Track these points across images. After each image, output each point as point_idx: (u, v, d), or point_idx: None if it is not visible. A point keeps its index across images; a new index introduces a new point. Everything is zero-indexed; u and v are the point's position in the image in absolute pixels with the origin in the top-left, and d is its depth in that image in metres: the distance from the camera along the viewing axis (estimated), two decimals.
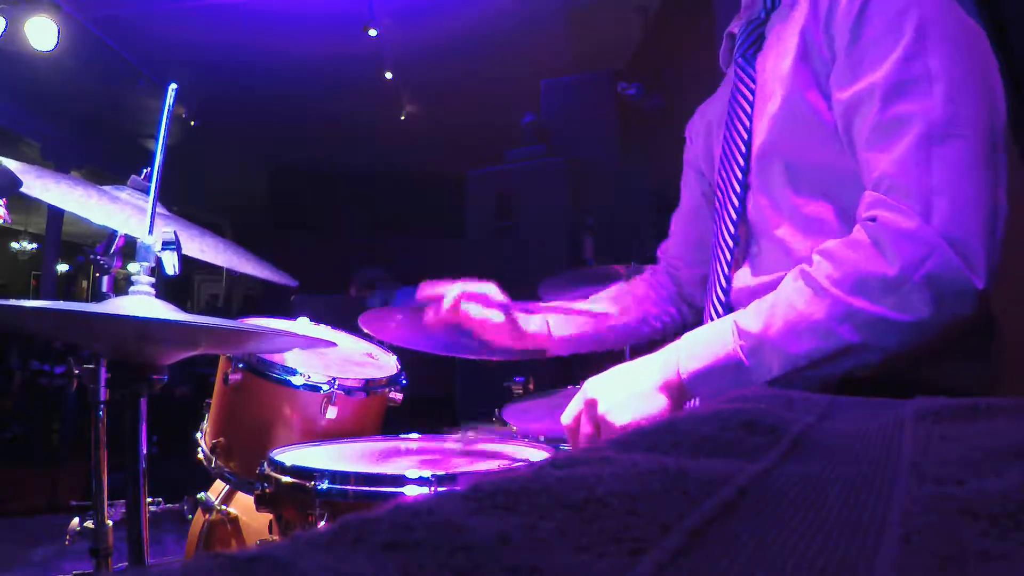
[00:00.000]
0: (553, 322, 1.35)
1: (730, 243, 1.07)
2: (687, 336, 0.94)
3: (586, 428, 0.95)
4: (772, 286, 0.93)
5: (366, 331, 1.74)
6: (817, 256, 0.86)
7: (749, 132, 1.03)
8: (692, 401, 0.94)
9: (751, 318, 0.88)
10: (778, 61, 0.99)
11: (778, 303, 0.86)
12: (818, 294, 0.83)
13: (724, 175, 1.08)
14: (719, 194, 1.10)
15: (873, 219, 0.83)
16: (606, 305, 1.38)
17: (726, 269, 1.08)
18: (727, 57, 1.17)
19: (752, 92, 1.04)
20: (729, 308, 1.07)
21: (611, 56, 4.77)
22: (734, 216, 1.06)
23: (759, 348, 0.86)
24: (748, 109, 1.03)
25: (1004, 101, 0.86)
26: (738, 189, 1.05)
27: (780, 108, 0.97)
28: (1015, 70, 1.66)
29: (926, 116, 0.82)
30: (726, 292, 1.08)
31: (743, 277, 1.06)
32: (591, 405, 0.95)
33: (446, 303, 1.27)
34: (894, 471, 0.31)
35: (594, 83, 4.44)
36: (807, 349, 0.83)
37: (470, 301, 1.27)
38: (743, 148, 1.04)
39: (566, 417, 0.99)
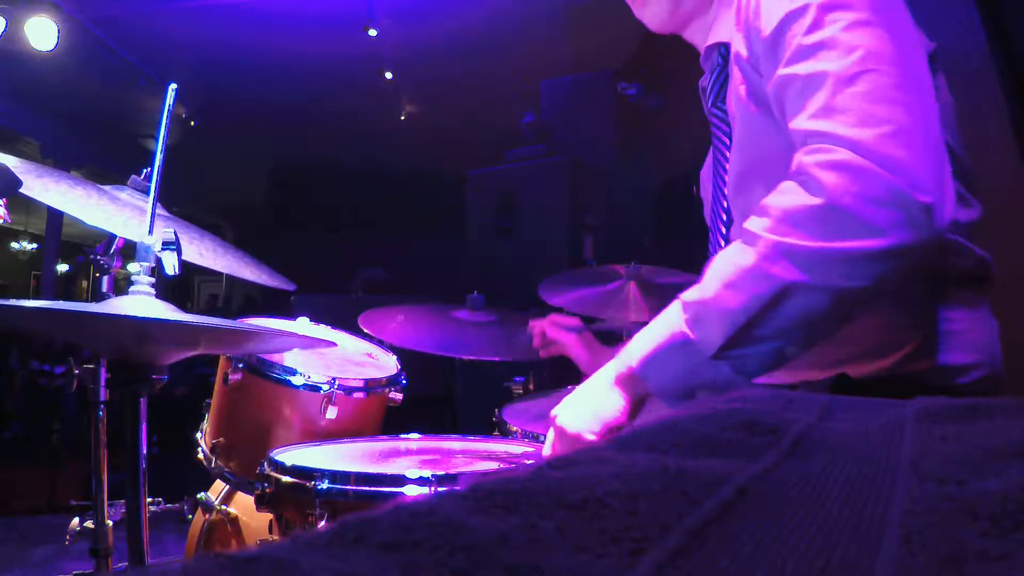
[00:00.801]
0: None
1: None
2: (641, 331, 0.90)
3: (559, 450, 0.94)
4: None
5: (366, 331, 1.74)
6: (752, 215, 0.83)
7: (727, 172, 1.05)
8: (649, 398, 0.90)
9: (694, 290, 0.84)
10: (731, 100, 1.01)
11: (716, 266, 0.82)
12: (749, 241, 0.79)
13: (713, 210, 1.11)
14: (710, 226, 1.12)
15: (798, 168, 0.79)
16: None
17: None
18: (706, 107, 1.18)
19: (729, 136, 1.04)
20: None
21: (611, 56, 4.77)
22: (723, 235, 1.09)
23: (701, 315, 0.81)
24: (727, 153, 1.04)
25: (920, 37, 0.85)
26: (722, 228, 1.08)
27: (738, 134, 0.98)
28: (1015, 70, 1.67)
29: (835, 67, 0.79)
30: None
31: None
32: (555, 424, 0.93)
33: (535, 336, 1.58)
34: (894, 471, 0.31)
35: (594, 83, 4.44)
36: (745, 299, 0.77)
37: (551, 329, 1.56)
38: (725, 189, 1.06)
39: (545, 450, 0.97)
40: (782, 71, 0.84)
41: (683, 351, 0.82)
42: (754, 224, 0.80)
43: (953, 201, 0.76)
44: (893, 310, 0.90)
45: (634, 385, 0.88)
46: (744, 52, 0.93)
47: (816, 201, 0.74)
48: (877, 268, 0.73)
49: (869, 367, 0.91)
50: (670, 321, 0.84)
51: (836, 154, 0.75)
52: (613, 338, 1.71)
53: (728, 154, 1.05)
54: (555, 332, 1.54)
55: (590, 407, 0.90)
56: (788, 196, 0.77)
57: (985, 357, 0.92)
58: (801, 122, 0.81)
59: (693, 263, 1.29)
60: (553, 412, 0.94)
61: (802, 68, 0.82)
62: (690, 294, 0.84)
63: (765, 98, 0.92)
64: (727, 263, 0.80)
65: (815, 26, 0.82)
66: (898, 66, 0.78)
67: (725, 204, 1.07)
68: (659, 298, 1.90)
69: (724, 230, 1.09)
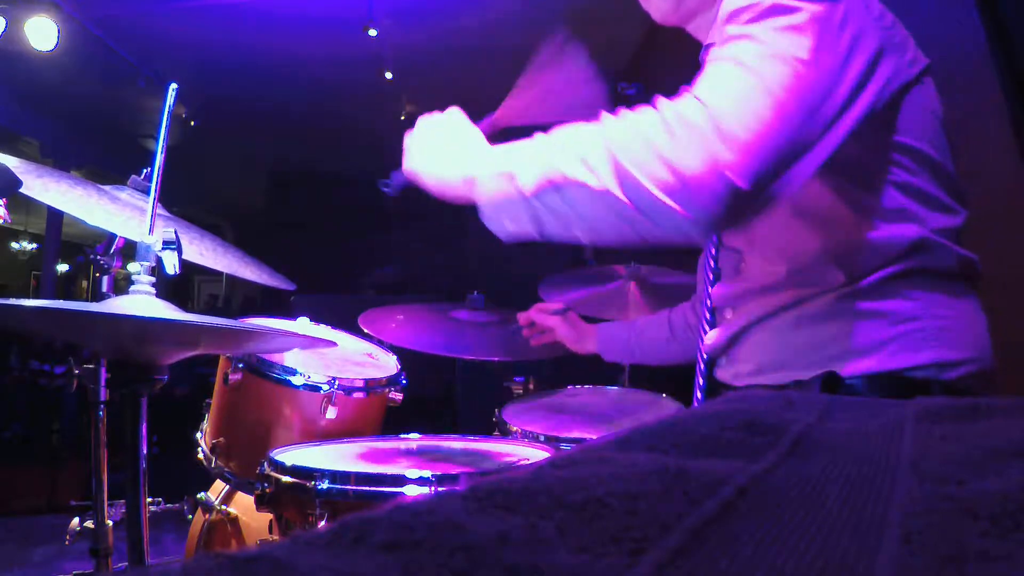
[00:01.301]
0: (603, 327, 1.62)
1: (711, 276, 1.13)
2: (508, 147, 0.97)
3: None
4: (754, 290, 0.99)
5: (366, 331, 1.74)
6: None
7: None
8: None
9: (551, 136, 0.93)
10: None
11: (577, 130, 0.89)
12: (604, 134, 0.84)
13: None
14: None
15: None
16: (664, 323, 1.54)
17: (709, 306, 1.14)
18: None
19: None
20: (713, 324, 1.13)
21: (611, 56, 4.77)
22: (715, 239, 1.12)
23: (534, 159, 0.90)
24: None
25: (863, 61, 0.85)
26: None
27: None
28: (1015, 70, 1.67)
29: (741, 55, 0.83)
30: (711, 311, 1.14)
31: (735, 285, 1.08)
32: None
33: (524, 326, 1.68)
34: (894, 471, 0.31)
35: None
36: (568, 171, 0.85)
37: (538, 315, 1.65)
38: None
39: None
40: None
41: (514, 177, 0.92)
42: (607, 125, 0.86)
43: (755, 208, 0.80)
44: (880, 307, 0.91)
45: (470, 188, 0.98)
46: None
47: (653, 139, 0.80)
48: (666, 219, 0.80)
49: (858, 365, 0.91)
50: (520, 153, 0.94)
51: (692, 102, 0.80)
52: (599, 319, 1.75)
53: None
54: (542, 318, 1.65)
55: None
56: (642, 118, 0.83)
57: (975, 353, 0.92)
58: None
59: (693, 263, 1.29)
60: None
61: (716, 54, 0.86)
62: (539, 157, 0.91)
63: None
64: (578, 134, 0.88)
65: (743, 25, 0.85)
66: (801, 77, 0.80)
67: None
68: (659, 298, 1.90)
69: (715, 239, 1.13)
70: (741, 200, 0.77)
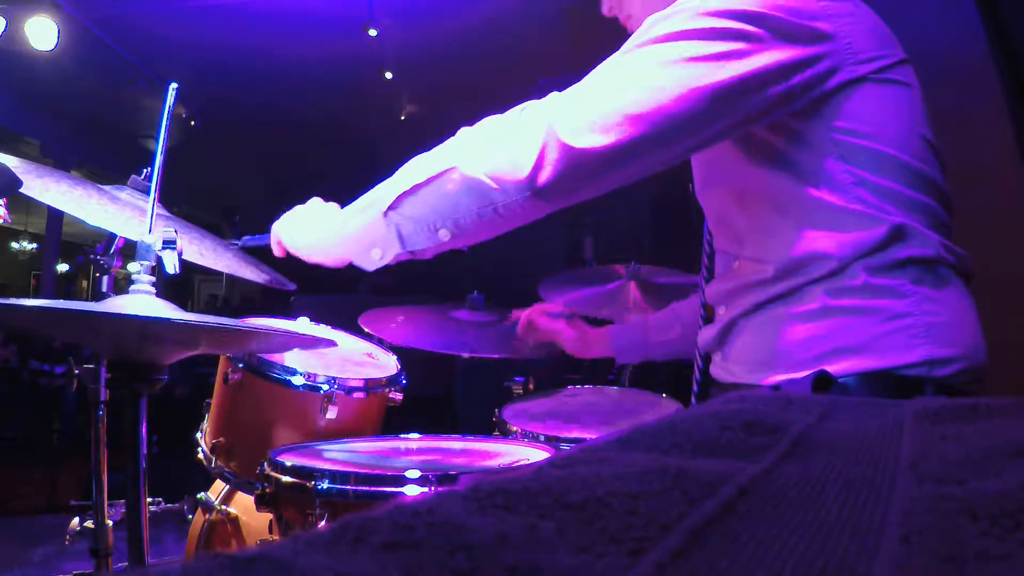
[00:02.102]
0: (616, 331, 1.63)
1: (706, 273, 1.19)
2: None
3: None
4: (743, 286, 1.02)
5: (366, 331, 1.74)
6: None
7: None
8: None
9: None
10: None
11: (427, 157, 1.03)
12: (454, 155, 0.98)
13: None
14: (704, 228, 1.21)
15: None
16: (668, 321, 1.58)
17: (702, 302, 1.20)
18: None
19: None
20: (708, 321, 1.16)
21: (610, 56, 4.76)
22: (710, 239, 1.18)
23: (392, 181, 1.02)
24: None
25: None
26: (709, 229, 1.18)
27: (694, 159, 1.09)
28: (1015, 70, 1.67)
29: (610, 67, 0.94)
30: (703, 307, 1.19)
31: (727, 282, 1.10)
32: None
33: (520, 324, 1.66)
34: (894, 471, 0.31)
35: None
36: (423, 176, 0.96)
37: (539, 317, 1.64)
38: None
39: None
40: None
41: (372, 206, 1.02)
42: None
43: (568, 198, 0.94)
44: (869, 304, 0.91)
45: (339, 240, 1.08)
46: None
47: (493, 133, 0.95)
48: (511, 187, 0.91)
49: (849, 363, 0.91)
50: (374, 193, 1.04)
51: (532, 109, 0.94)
52: (602, 322, 1.74)
53: None
54: (544, 322, 1.66)
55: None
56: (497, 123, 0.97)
57: (966, 349, 0.92)
58: None
59: (693, 263, 1.29)
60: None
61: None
62: (398, 176, 1.02)
63: None
64: (434, 158, 1.00)
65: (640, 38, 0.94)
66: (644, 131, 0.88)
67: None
68: (659, 298, 1.90)
69: (710, 238, 1.17)
70: (541, 193, 0.89)
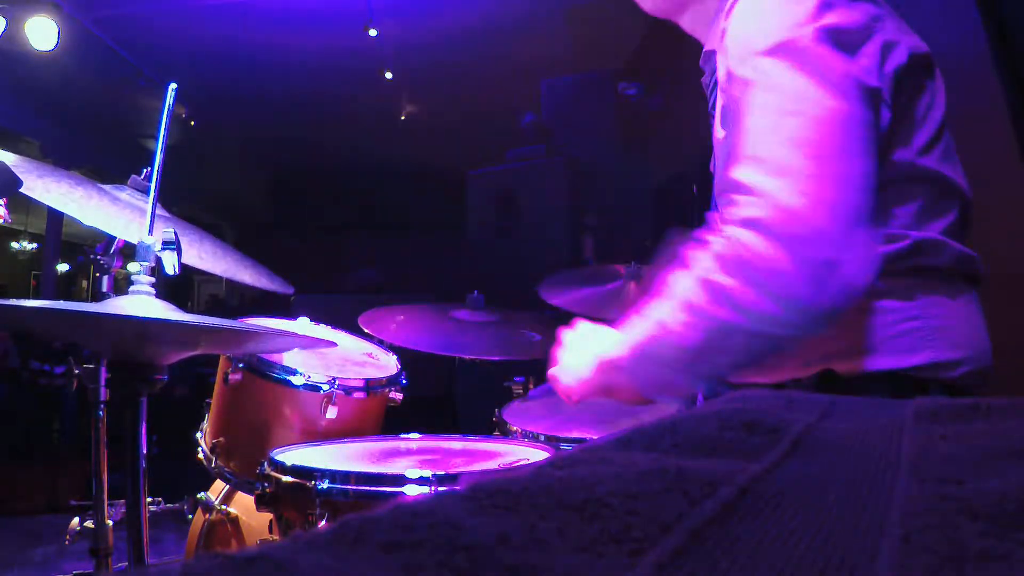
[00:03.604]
0: None
1: None
2: (630, 325, 0.98)
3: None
4: None
5: (366, 331, 1.74)
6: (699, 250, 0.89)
7: None
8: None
9: (661, 307, 0.91)
10: (719, 111, 1.04)
11: (673, 293, 0.89)
12: (696, 280, 0.85)
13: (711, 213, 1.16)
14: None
15: (724, 222, 0.84)
16: None
17: None
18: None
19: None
20: None
21: (611, 56, 4.77)
22: None
23: (663, 340, 0.88)
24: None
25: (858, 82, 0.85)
26: None
27: (717, 150, 1.03)
28: (1015, 70, 1.67)
29: (762, 109, 0.84)
30: None
31: None
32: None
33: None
34: (894, 471, 0.31)
35: (594, 83, 4.44)
36: (697, 337, 0.85)
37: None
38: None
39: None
40: (724, 106, 0.92)
41: (653, 360, 0.91)
42: (701, 262, 0.86)
43: (865, 256, 0.79)
44: (878, 307, 0.91)
45: (614, 374, 0.98)
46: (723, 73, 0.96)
47: (744, 256, 0.80)
48: (812, 321, 0.79)
49: (856, 364, 0.91)
50: (645, 330, 0.93)
51: (750, 209, 0.81)
52: None
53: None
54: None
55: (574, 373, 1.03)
56: (720, 250, 0.84)
57: (973, 352, 0.92)
58: (726, 168, 0.88)
59: None
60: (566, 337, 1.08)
61: (739, 105, 0.88)
62: (658, 311, 0.91)
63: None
64: (679, 295, 0.88)
65: (756, 64, 0.87)
66: (817, 115, 0.82)
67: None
68: None
69: None
70: (839, 267, 0.77)
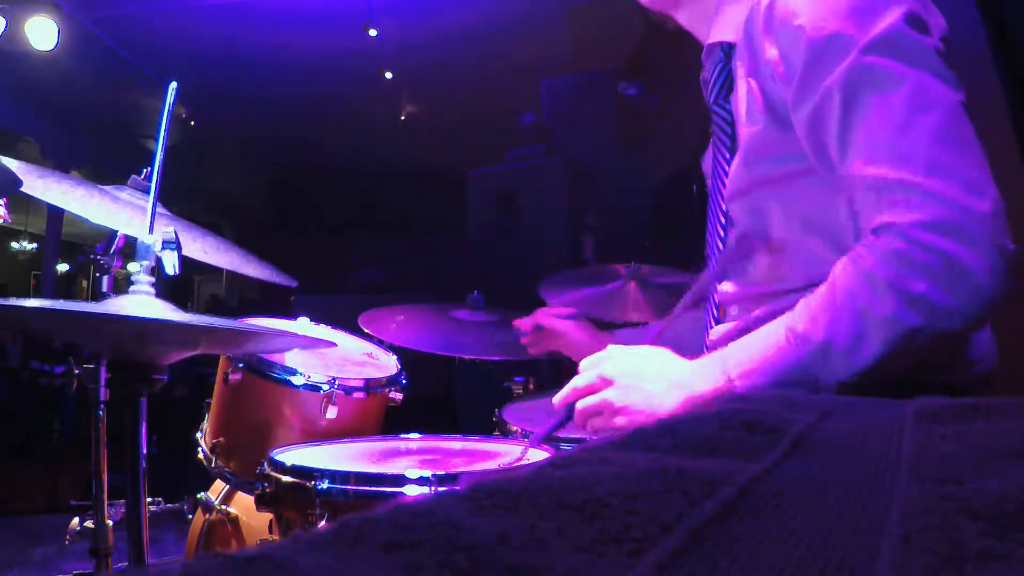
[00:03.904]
0: (627, 336, 1.57)
1: (715, 267, 1.12)
2: (734, 345, 0.90)
3: (596, 416, 0.93)
4: (762, 293, 0.99)
5: (366, 331, 1.74)
6: (859, 256, 0.85)
7: (728, 175, 1.06)
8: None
9: (805, 319, 0.85)
10: (740, 106, 1.01)
11: (835, 300, 0.85)
12: (875, 286, 0.82)
13: (711, 210, 1.13)
14: (709, 227, 1.14)
15: (889, 225, 0.82)
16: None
17: (716, 301, 1.12)
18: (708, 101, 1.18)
19: (730, 136, 1.05)
20: (718, 320, 1.11)
21: (611, 56, 4.77)
22: (720, 242, 1.11)
23: (828, 355, 0.83)
24: (727, 153, 1.06)
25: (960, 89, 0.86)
26: (720, 230, 1.10)
27: (747, 147, 0.99)
28: (1015, 69, 1.67)
29: (884, 105, 0.83)
30: (717, 319, 1.12)
31: (743, 286, 1.07)
32: (606, 385, 0.93)
33: (526, 328, 1.61)
34: (894, 471, 0.31)
35: (594, 83, 4.44)
36: (877, 348, 0.81)
37: (547, 319, 1.59)
38: (723, 191, 1.07)
39: (580, 401, 0.95)
40: (820, 94, 0.87)
41: (799, 382, 0.85)
42: (877, 270, 0.82)
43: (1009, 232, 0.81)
44: None
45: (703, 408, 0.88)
46: (775, 57, 0.92)
47: (931, 259, 0.79)
48: (987, 311, 0.80)
49: None
50: (783, 352, 0.86)
51: (925, 211, 0.80)
52: (610, 325, 1.71)
53: (728, 155, 1.05)
54: (551, 321, 1.57)
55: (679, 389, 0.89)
56: (899, 250, 0.81)
57: (978, 354, 0.91)
58: (862, 167, 0.84)
59: (693, 263, 1.29)
60: (607, 365, 0.93)
61: (846, 97, 0.85)
62: (802, 324, 0.85)
63: (786, 119, 0.93)
64: (849, 304, 0.83)
65: (858, 59, 0.84)
66: (944, 103, 0.82)
67: (724, 207, 1.08)
68: (659, 298, 1.90)
69: (723, 233, 1.10)
70: (1014, 253, 0.79)
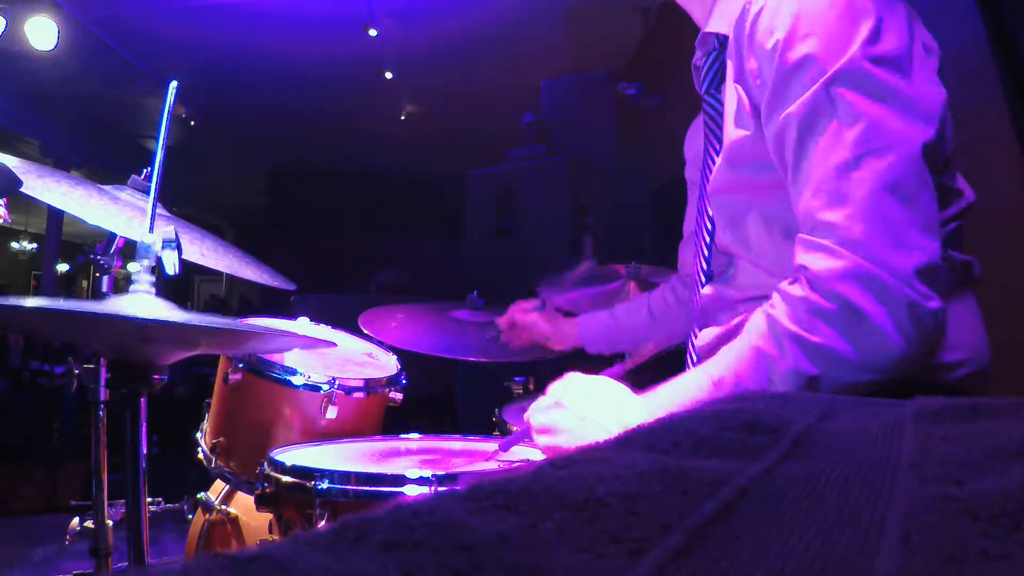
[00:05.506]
0: (582, 319, 1.60)
1: (703, 278, 1.11)
2: (664, 387, 0.92)
3: (543, 434, 0.96)
4: (747, 297, 0.99)
5: (366, 331, 1.74)
6: (775, 303, 0.86)
7: (712, 171, 1.06)
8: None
9: (721, 367, 0.88)
10: (728, 104, 1.00)
11: (744, 351, 0.86)
12: (780, 335, 0.83)
13: (699, 209, 1.13)
14: (697, 218, 1.14)
15: (805, 269, 0.83)
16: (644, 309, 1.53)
17: (701, 291, 1.12)
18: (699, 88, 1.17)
19: (719, 127, 1.05)
20: (703, 325, 1.11)
21: (611, 56, 4.77)
22: (707, 240, 1.10)
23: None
24: (717, 145, 1.05)
25: (936, 124, 0.84)
26: (707, 226, 1.09)
27: (730, 148, 0.99)
28: (1015, 70, 1.67)
29: (837, 140, 0.82)
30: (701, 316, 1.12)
31: (727, 289, 1.07)
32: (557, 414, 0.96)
33: (503, 325, 1.68)
34: (894, 471, 0.31)
35: (594, 83, 4.44)
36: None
37: (519, 315, 1.65)
38: (707, 186, 1.07)
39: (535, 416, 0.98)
40: (782, 119, 0.87)
41: None
42: (784, 320, 0.83)
43: (941, 289, 0.81)
44: None
45: None
46: (754, 69, 0.92)
47: (832, 307, 0.79)
48: (897, 369, 0.80)
49: None
50: (700, 392, 0.87)
51: (842, 260, 0.79)
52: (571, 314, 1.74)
53: (717, 147, 1.05)
54: (522, 316, 1.64)
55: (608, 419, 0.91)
56: (806, 298, 0.82)
57: (973, 354, 0.92)
58: (807, 200, 0.85)
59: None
60: (564, 394, 0.96)
61: (803, 127, 0.84)
62: (719, 371, 0.87)
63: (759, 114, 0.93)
64: (756, 355, 0.84)
65: (820, 91, 0.83)
66: (899, 148, 0.80)
67: (710, 211, 1.08)
68: None
69: (708, 239, 1.10)
70: (938, 315, 0.79)
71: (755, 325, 0.87)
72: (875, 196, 0.79)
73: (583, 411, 0.92)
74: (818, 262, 0.81)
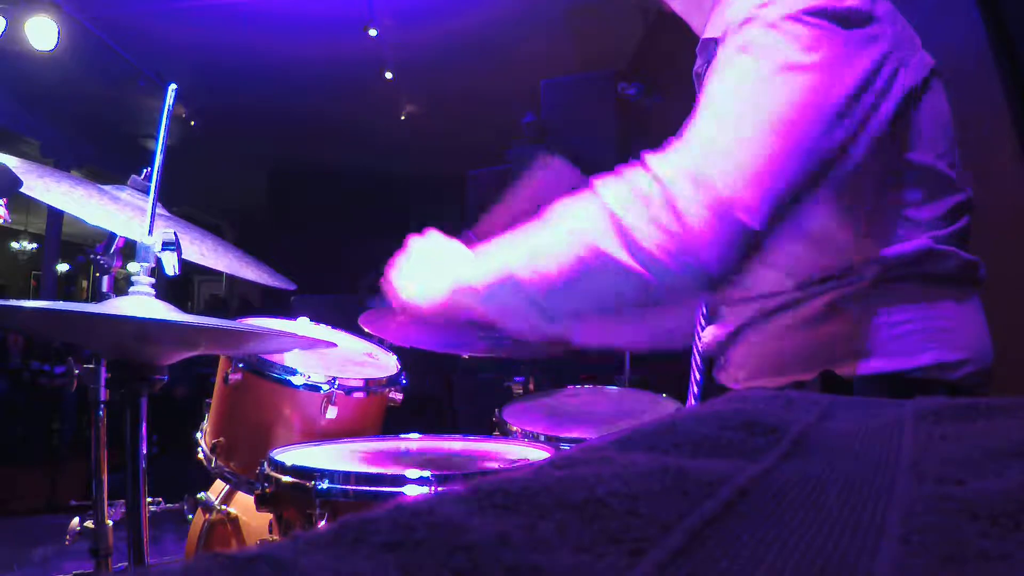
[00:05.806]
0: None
1: None
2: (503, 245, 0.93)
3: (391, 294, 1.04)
4: (760, 296, 0.98)
5: (366, 331, 1.74)
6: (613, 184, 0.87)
7: None
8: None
9: (542, 243, 0.87)
10: None
11: (571, 226, 0.87)
12: (607, 218, 0.83)
13: None
14: None
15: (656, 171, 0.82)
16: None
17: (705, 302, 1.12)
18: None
19: None
20: (709, 322, 1.11)
21: (611, 56, 4.77)
22: None
23: (549, 285, 0.85)
24: None
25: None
26: None
27: None
28: (1015, 70, 1.67)
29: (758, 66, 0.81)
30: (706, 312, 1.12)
31: (729, 291, 1.07)
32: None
33: None
34: (894, 471, 0.31)
35: (594, 83, 4.44)
36: (596, 287, 0.82)
37: None
38: None
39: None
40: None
41: (517, 290, 0.87)
42: (613, 196, 0.84)
43: (768, 239, 0.78)
44: (881, 310, 0.91)
45: (469, 299, 0.93)
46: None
47: (667, 201, 0.78)
48: (689, 284, 0.78)
49: (858, 367, 0.91)
50: (515, 257, 0.88)
51: (694, 160, 0.78)
52: None
53: None
54: None
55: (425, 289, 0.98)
56: (646, 184, 0.81)
57: (975, 353, 0.92)
58: (697, 112, 0.84)
59: None
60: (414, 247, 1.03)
61: (721, 62, 0.85)
62: (535, 238, 0.87)
63: None
64: (575, 227, 0.84)
65: (746, 32, 0.83)
66: (802, 92, 0.79)
67: None
68: None
69: None
70: (752, 238, 0.76)
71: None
72: (755, 119, 0.79)
73: (423, 260, 1.00)
74: (667, 154, 0.82)
